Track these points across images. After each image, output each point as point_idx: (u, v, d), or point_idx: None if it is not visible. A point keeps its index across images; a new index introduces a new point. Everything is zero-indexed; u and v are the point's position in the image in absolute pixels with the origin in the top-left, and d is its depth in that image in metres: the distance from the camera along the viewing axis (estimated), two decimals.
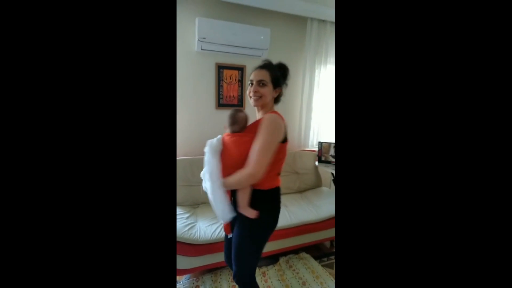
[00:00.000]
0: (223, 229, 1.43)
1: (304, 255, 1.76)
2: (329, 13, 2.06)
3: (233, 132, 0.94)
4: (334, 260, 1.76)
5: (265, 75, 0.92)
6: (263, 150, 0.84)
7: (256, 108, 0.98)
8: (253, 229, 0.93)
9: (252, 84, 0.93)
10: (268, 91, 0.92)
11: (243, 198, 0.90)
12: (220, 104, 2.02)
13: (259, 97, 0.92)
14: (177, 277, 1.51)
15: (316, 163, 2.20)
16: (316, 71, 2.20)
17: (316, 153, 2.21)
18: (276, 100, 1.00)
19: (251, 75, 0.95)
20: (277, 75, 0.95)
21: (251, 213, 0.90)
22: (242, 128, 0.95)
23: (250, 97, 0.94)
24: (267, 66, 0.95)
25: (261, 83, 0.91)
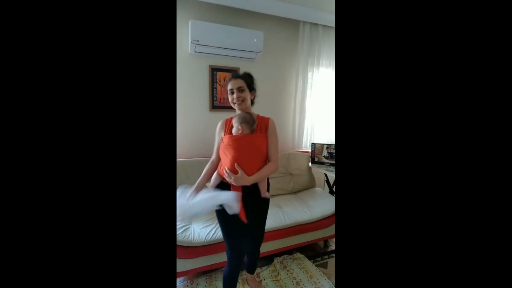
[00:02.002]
0: (216, 232, 1.44)
1: (298, 255, 1.77)
2: (321, 17, 2.10)
3: (252, 131, 1.10)
4: (327, 260, 1.78)
5: (241, 83, 1.11)
6: (278, 148, 1.13)
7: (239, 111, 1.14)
8: (266, 207, 1.21)
9: (232, 92, 1.11)
10: (247, 94, 1.13)
11: (265, 185, 1.13)
12: (214, 106, 2.02)
13: (242, 101, 1.11)
14: None
15: (310, 164, 2.23)
16: (309, 73, 2.23)
17: (310, 154, 2.24)
18: (252, 102, 1.19)
19: (228, 85, 1.12)
20: (249, 81, 1.15)
21: (268, 195, 1.15)
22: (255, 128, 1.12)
23: (234, 103, 1.12)
24: (239, 75, 1.14)
25: (240, 89, 1.10)
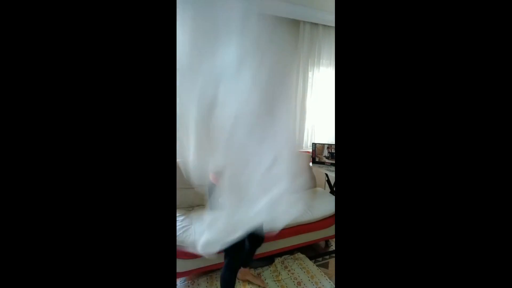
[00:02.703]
0: None
1: (299, 255, 1.77)
2: (321, 16, 2.10)
3: None
4: (329, 260, 1.78)
5: None
6: None
7: None
8: None
9: None
10: None
11: None
12: None
13: None
14: None
15: (310, 164, 2.23)
16: (310, 73, 2.23)
17: (310, 154, 2.24)
18: None
19: None
20: None
21: None
22: None
23: None
24: None
25: None
